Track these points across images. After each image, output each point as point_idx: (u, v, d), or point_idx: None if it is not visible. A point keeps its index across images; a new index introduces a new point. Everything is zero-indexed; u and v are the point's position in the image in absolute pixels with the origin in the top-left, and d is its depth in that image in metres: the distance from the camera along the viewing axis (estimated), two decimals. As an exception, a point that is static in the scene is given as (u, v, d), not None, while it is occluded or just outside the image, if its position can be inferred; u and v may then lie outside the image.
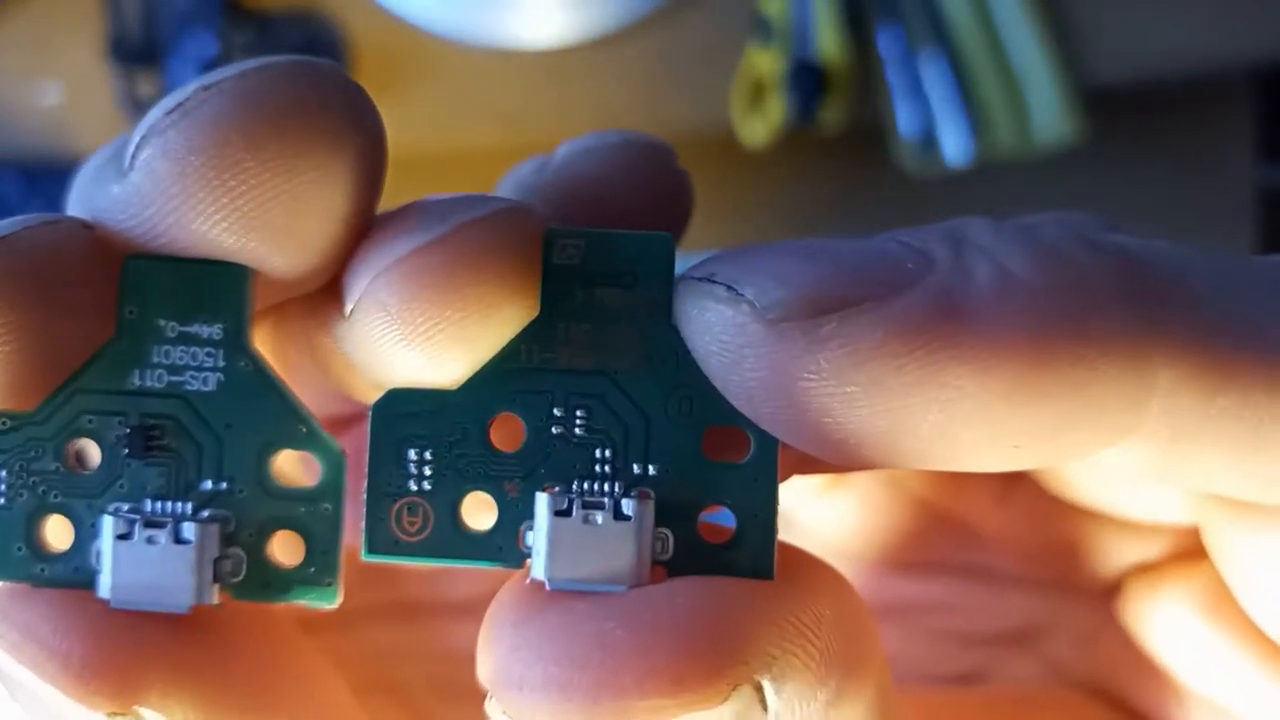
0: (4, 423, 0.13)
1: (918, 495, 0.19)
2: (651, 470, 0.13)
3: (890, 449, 0.13)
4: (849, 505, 0.19)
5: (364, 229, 0.13)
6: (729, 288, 0.13)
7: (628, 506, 0.13)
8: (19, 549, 0.13)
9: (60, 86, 0.60)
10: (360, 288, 0.13)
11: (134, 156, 0.13)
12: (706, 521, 0.13)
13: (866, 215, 0.63)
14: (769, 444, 0.13)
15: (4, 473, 0.13)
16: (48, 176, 0.58)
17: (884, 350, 0.12)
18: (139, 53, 0.58)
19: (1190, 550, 0.17)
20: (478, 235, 0.13)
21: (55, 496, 0.13)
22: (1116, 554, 0.18)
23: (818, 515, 0.18)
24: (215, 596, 0.13)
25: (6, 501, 0.13)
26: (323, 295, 0.14)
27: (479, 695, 0.20)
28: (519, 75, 0.59)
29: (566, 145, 0.16)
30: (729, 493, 0.13)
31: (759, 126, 0.59)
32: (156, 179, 0.12)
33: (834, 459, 0.13)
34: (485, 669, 0.13)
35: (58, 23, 0.60)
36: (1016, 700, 0.19)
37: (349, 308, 0.13)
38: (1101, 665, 0.18)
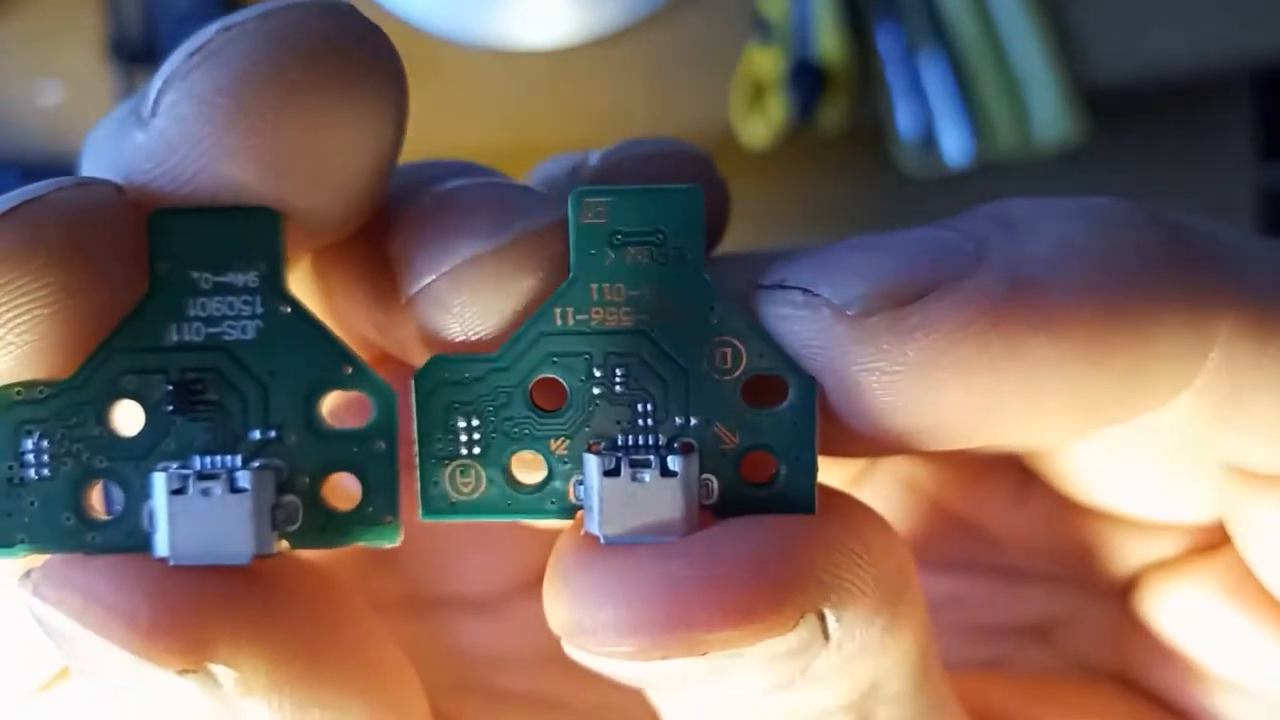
0: (41, 391, 0.13)
1: (933, 498, 0.19)
2: (693, 421, 0.13)
3: (977, 426, 0.13)
4: None
5: (391, 168, 0.13)
6: (804, 291, 0.13)
7: (674, 462, 0.13)
8: (68, 519, 0.13)
9: (60, 86, 0.60)
10: (421, 282, 0.13)
11: (156, 102, 0.12)
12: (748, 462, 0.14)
13: (866, 215, 0.63)
14: (808, 389, 0.13)
15: (45, 442, 0.13)
16: (48, 176, 0.58)
17: (967, 331, 0.12)
18: (139, 53, 0.58)
19: (1206, 546, 0.17)
20: (539, 246, 0.13)
21: (101, 462, 0.13)
22: (1132, 553, 0.18)
23: None
24: (275, 545, 0.13)
25: (51, 471, 0.13)
26: (378, 269, 0.14)
27: (495, 694, 0.20)
28: (520, 75, 0.59)
29: (601, 154, 0.16)
30: (770, 437, 0.13)
31: (759, 126, 0.59)
32: (183, 122, 0.12)
33: (918, 443, 0.13)
34: (557, 617, 0.13)
35: (58, 23, 0.60)
36: (1037, 682, 0.19)
37: (408, 295, 0.13)
38: (1121, 655, 0.18)
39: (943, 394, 0.12)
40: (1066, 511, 0.18)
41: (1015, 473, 0.18)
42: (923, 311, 0.12)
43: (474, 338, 0.13)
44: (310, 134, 0.12)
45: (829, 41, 0.58)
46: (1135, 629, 0.18)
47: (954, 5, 0.57)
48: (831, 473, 0.18)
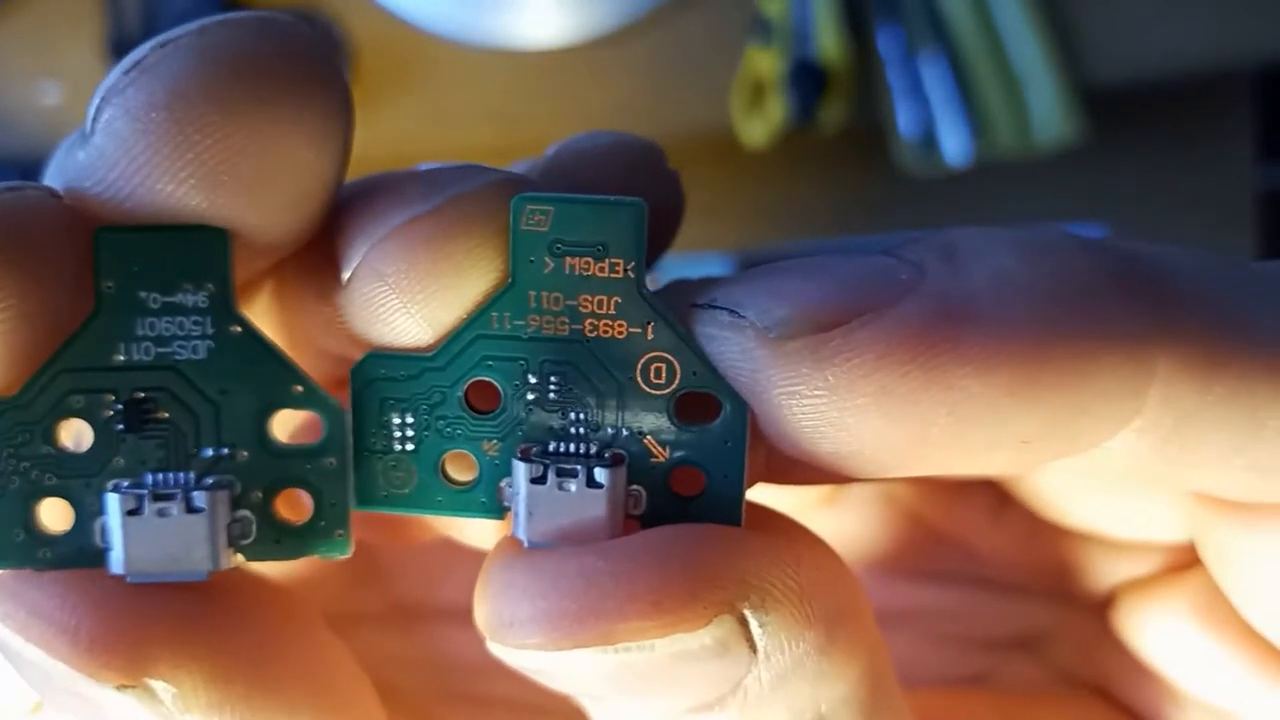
0: None
1: (914, 511, 0.19)
2: (624, 432, 0.14)
3: (906, 456, 0.13)
4: (848, 519, 0.19)
5: (336, 184, 0.13)
6: (731, 311, 0.13)
7: (601, 475, 0.13)
8: (17, 535, 0.13)
9: (60, 86, 0.60)
10: (357, 257, 0.13)
11: (95, 119, 0.12)
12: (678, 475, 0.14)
13: (866, 215, 0.63)
14: (740, 409, 0.13)
15: None
16: (48, 176, 0.58)
17: (888, 359, 0.12)
18: (139, 53, 0.58)
19: (1181, 564, 0.17)
20: (472, 206, 0.13)
21: (49, 479, 0.13)
22: (1109, 571, 0.18)
23: (818, 528, 0.18)
24: (231, 560, 0.13)
25: None
26: (319, 263, 0.14)
27: (481, 702, 0.20)
28: (519, 75, 0.59)
29: (555, 147, 0.15)
30: (700, 453, 0.13)
31: (759, 126, 0.59)
32: (119, 139, 0.12)
33: (851, 471, 0.13)
34: (480, 616, 0.13)
35: (58, 23, 0.60)
36: (1021, 699, 0.19)
37: (346, 275, 0.13)
38: (1101, 670, 0.18)
39: (865, 421, 0.12)
40: (1043, 528, 0.18)
41: (992, 489, 0.18)
42: (844, 337, 0.12)
43: (414, 310, 0.13)
44: (246, 149, 0.12)
45: (829, 41, 0.58)
46: (1114, 645, 0.18)
47: (954, 6, 0.57)
48: (809, 486, 0.18)
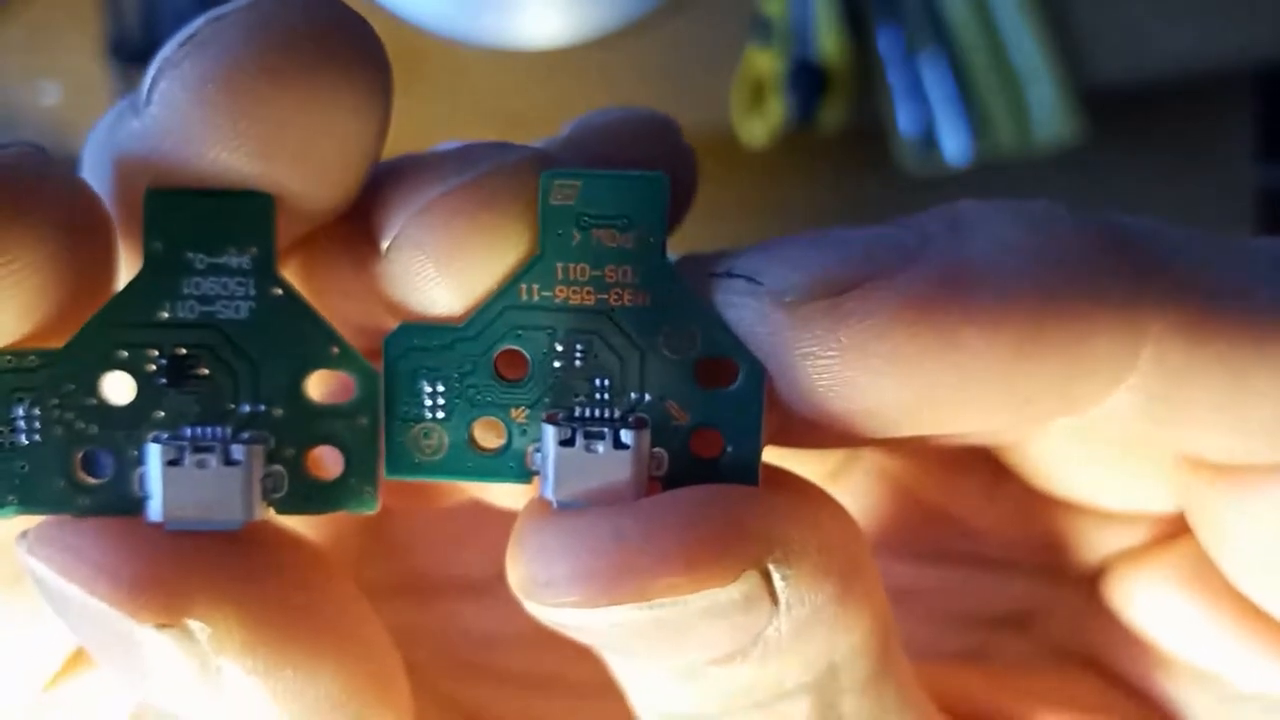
0: (32, 360, 0.13)
1: (910, 490, 0.19)
2: (647, 397, 0.14)
3: (916, 415, 0.13)
4: (847, 498, 0.20)
5: (376, 155, 0.14)
6: (748, 279, 0.13)
7: (626, 436, 0.14)
8: (58, 482, 0.14)
9: (60, 86, 0.60)
10: (396, 227, 0.13)
11: (150, 90, 0.13)
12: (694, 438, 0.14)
13: (866, 215, 0.63)
14: (756, 372, 0.14)
15: (36, 409, 0.13)
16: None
17: (898, 320, 0.13)
18: (139, 53, 0.58)
19: (1168, 535, 0.17)
20: (505, 180, 0.13)
21: (91, 429, 0.14)
22: (1099, 543, 0.18)
23: None
24: (263, 512, 0.14)
25: (41, 437, 0.14)
26: (353, 235, 0.14)
27: (494, 675, 0.20)
28: (519, 75, 0.59)
29: (572, 123, 0.16)
30: (719, 416, 0.14)
31: (759, 126, 0.59)
32: (175, 109, 0.13)
33: (864, 430, 0.14)
34: (515, 576, 0.14)
35: (58, 23, 0.60)
36: (1015, 675, 0.19)
37: (385, 244, 0.14)
38: (1093, 642, 0.19)
39: (877, 380, 0.13)
40: (1037, 502, 0.18)
41: (987, 465, 0.18)
42: (855, 300, 0.13)
43: (450, 279, 0.13)
44: (296, 118, 0.13)
45: (829, 42, 0.58)
46: (1105, 617, 0.18)
47: (954, 6, 0.57)
48: (810, 465, 0.18)
